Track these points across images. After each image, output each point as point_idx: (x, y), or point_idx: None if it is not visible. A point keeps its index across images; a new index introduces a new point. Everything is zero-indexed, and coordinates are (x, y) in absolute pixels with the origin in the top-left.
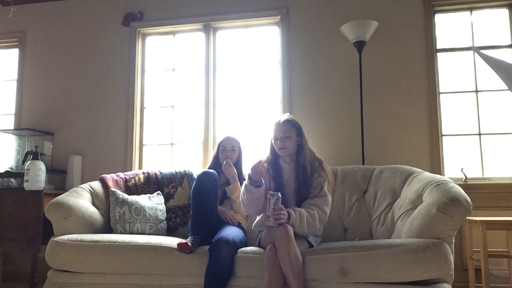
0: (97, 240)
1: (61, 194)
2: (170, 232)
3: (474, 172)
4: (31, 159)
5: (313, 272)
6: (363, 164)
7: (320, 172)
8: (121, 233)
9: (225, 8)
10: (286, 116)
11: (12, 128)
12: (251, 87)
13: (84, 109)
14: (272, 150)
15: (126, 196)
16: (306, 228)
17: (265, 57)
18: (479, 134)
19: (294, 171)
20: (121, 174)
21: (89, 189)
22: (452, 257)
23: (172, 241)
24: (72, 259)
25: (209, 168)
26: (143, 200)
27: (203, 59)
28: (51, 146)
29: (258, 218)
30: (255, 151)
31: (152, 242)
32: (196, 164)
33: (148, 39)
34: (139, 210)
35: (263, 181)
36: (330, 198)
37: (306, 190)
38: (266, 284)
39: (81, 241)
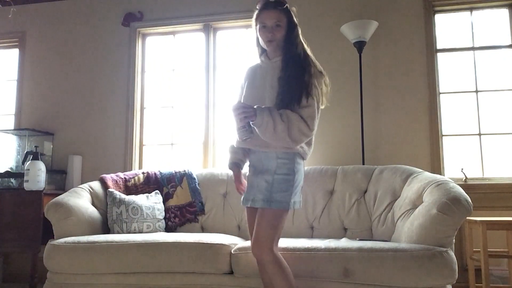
0: (94, 241)
1: (61, 194)
2: (168, 232)
3: (474, 172)
4: (31, 159)
5: (316, 270)
6: (363, 164)
7: (311, 74)
8: (118, 233)
9: (225, 8)
10: None
11: (12, 128)
12: None
13: (84, 109)
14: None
15: (123, 196)
16: (273, 132)
17: None
18: (479, 134)
19: (279, 68)
20: (121, 174)
21: (89, 189)
22: (456, 266)
23: (168, 237)
24: (69, 261)
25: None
26: (140, 199)
27: (203, 59)
28: (51, 146)
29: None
30: None
31: (149, 240)
32: (196, 164)
33: (148, 39)
34: (136, 209)
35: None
36: (316, 110)
37: (290, 94)
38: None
39: (78, 243)
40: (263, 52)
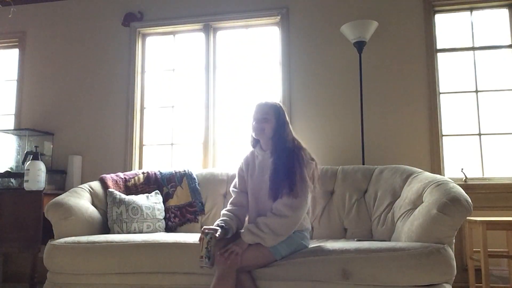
0: (94, 241)
1: (61, 194)
2: (168, 232)
3: (474, 172)
4: (31, 159)
5: (315, 273)
6: (363, 164)
7: (299, 166)
8: (118, 233)
9: (225, 8)
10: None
11: (12, 128)
12: (251, 87)
13: (84, 109)
14: (252, 138)
15: (123, 196)
16: (268, 242)
17: (265, 57)
18: (479, 134)
19: (270, 160)
20: (121, 174)
21: (89, 189)
22: (454, 262)
23: (168, 237)
24: (70, 261)
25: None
26: (140, 199)
27: (203, 59)
28: (51, 146)
29: None
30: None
31: (149, 240)
32: (196, 164)
33: (148, 39)
34: (136, 209)
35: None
36: (304, 198)
37: (281, 183)
38: None
39: (78, 243)
40: (256, 143)
